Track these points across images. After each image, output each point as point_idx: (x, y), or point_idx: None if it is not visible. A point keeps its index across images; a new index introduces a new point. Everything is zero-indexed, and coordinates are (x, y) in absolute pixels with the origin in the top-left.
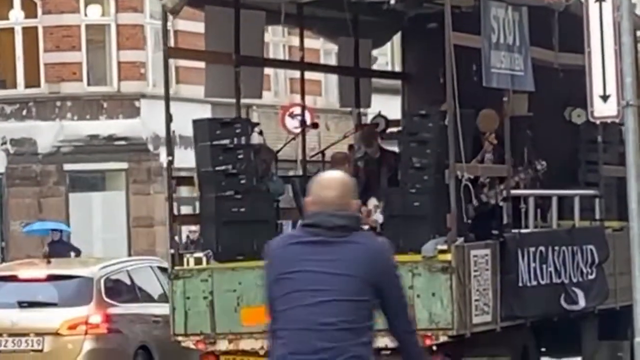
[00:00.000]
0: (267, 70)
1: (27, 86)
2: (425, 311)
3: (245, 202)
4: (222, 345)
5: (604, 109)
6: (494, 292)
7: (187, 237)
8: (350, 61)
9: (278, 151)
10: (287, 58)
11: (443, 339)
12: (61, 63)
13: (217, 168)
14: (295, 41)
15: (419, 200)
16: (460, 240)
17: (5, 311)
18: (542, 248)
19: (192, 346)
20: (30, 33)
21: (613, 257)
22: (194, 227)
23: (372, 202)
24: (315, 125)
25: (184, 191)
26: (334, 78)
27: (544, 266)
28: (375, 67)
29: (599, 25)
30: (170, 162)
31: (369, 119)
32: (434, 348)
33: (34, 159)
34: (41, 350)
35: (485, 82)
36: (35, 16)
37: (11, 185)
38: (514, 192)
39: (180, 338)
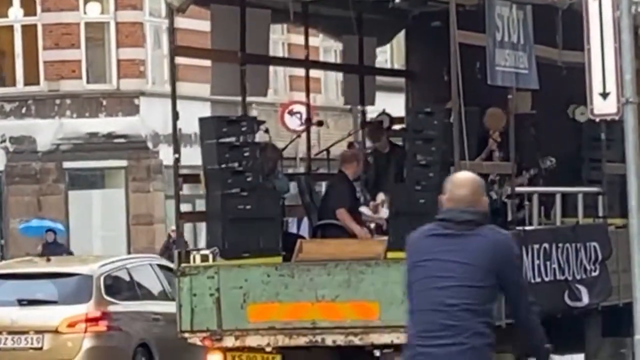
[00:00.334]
0: None
1: (26, 84)
2: None
3: (251, 199)
4: (229, 341)
5: (603, 107)
6: None
7: (169, 236)
8: (354, 59)
9: (284, 149)
10: (286, 55)
11: None
12: (60, 61)
13: (224, 166)
14: (294, 39)
15: (425, 197)
16: None
17: (5, 309)
18: (546, 245)
19: (199, 343)
20: (29, 31)
21: (616, 254)
22: (174, 227)
23: (380, 196)
24: (320, 123)
25: (183, 189)
26: (333, 76)
27: (548, 263)
28: (375, 64)
29: (599, 22)
30: (177, 160)
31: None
32: None
33: (34, 156)
34: (41, 348)
35: (490, 80)
36: (35, 14)
37: (10, 183)
38: (518, 189)
39: (186, 335)
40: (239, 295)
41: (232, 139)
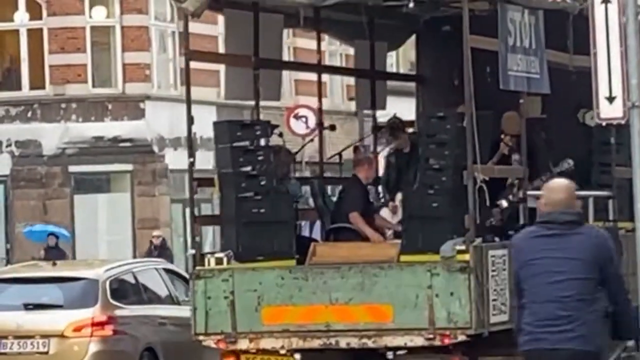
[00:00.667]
0: None
1: (32, 88)
2: (443, 310)
3: (265, 203)
4: (243, 344)
5: (609, 111)
6: (511, 292)
7: (151, 242)
8: (366, 64)
9: (296, 153)
10: (292, 59)
11: (461, 338)
12: (66, 65)
13: (238, 169)
14: (300, 42)
15: (437, 201)
16: (478, 240)
17: (11, 313)
18: None
19: (213, 345)
20: (35, 35)
21: (626, 257)
22: (156, 232)
23: (399, 197)
24: (332, 127)
25: (189, 193)
26: (339, 80)
27: None
28: (386, 69)
29: (605, 26)
30: (192, 164)
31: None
32: (451, 347)
33: (39, 160)
34: (47, 353)
35: (502, 85)
36: (40, 18)
37: (16, 187)
38: (530, 192)
39: (201, 337)
40: (253, 298)
41: (246, 143)
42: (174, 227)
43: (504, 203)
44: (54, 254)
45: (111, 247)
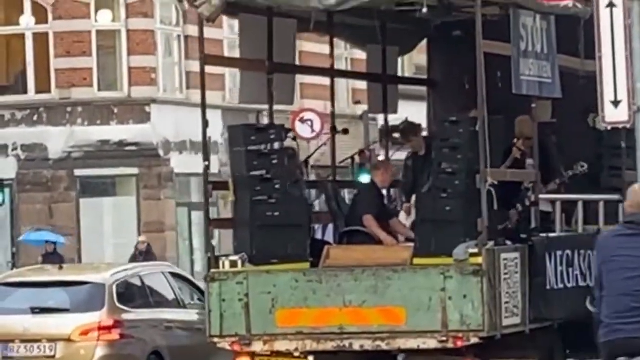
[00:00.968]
0: None
1: (37, 92)
2: (457, 313)
3: (279, 206)
4: (257, 346)
5: (615, 114)
6: (523, 295)
7: (136, 247)
8: (378, 68)
9: (309, 157)
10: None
11: (474, 340)
12: (72, 69)
13: (252, 173)
14: (305, 46)
15: (451, 204)
16: (491, 244)
17: (18, 317)
18: (568, 252)
19: (228, 347)
20: (41, 39)
21: None
22: (142, 238)
23: (414, 199)
24: (345, 131)
25: (194, 197)
26: (344, 83)
27: (571, 269)
28: (397, 73)
29: (610, 30)
30: (207, 167)
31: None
32: (464, 350)
33: (45, 164)
34: (53, 357)
35: (515, 89)
36: (46, 22)
37: (22, 191)
38: (542, 196)
39: (216, 339)
40: (267, 301)
41: (261, 147)
42: (180, 230)
43: (519, 207)
44: (52, 260)
45: (117, 250)
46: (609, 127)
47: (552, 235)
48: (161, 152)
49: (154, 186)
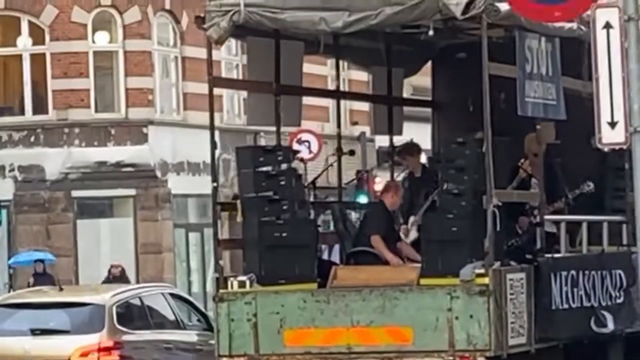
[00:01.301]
0: None
1: (35, 113)
2: (463, 333)
3: (287, 227)
4: None
5: (611, 136)
6: (529, 315)
7: (109, 271)
8: (383, 90)
9: (315, 178)
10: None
11: (480, 359)
12: (69, 90)
13: (260, 194)
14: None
15: (457, 225)
16: (497, 264)
17: (18, 339)
18: (573, 272)
19: None
20: (38, 60)
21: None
22: (115, 262)
23: (411, 220)
24: (352, 152)
25: (192, 218)
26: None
27: (575, 290)
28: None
29: (607, 51)
30: (215, 189)
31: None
32: None
33: (42, 185)
34: None
35: (520, 111)
36: (43, 43)
37: (19, 212)
38: (547, 217)
39: (224, 359)
40: (276, 321)
41: (269, 168)
42: (177, 251)
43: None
44: (43, 280)
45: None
46: (606, 149)
47: (557, 255)
48: (158, 173)
49: (151, 207)
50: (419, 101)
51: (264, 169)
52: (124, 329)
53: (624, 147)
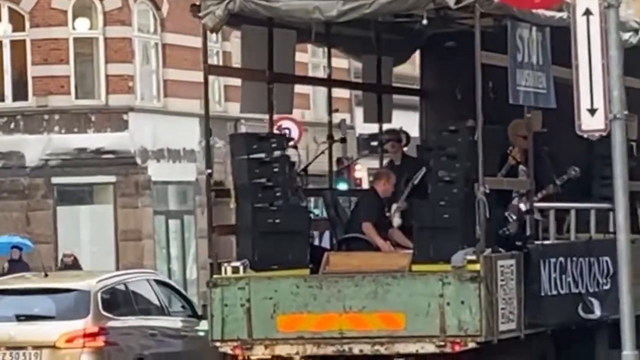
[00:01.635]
0: None
1: (15, 99)
2: (454, 318)
3: (280, 213)
4: (258, 350)
5: (591, 123)
6: (518, 301)
7: (62, 260)
8: (373, 78)
9: (307, 166)
10: None
11: (471, 345)
12: (49, 76)
13: (254, 181)
14: None
15: (448, 212)
16: (488, 251)
17: (3, 324)
18: (562, 259)
19: (230, 351)
20: (18, 46)
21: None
22: (68, 251)
23: (393, 207)
24: (343, 140)
25: (172, 205)
26: (322, 92)
27: (564, 276)
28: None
29: (587, 38)
30: (209, 175)
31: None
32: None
33: (22, 172)
34: None
35: (512, 100)
36: (24, 29)
37: None
38: (536, 204)
39: (217, 344)
40: (269, 306)
41: (262, 155)
42: (157, 238)
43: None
44: (18, 267)
45: (94, 258)
46: (585, 135)
47: (546, 242)
48: (138, 160)
49: (131, 194)
50: (408, 89)
51: (258, 155)
52: (109, 315)
53: (604, 134)
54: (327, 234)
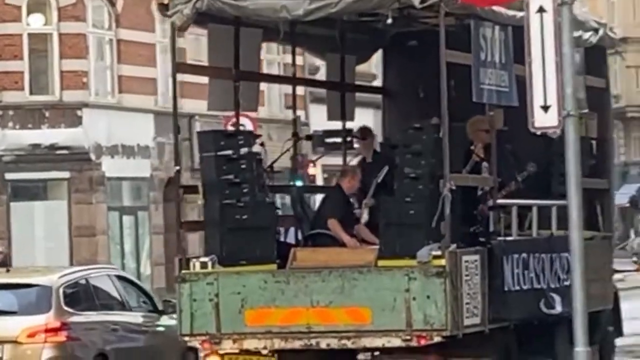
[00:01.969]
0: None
1: None
2: (420, 313)
3: (247, 210)
4: (227, 344)
5: (545, 119)
6: (483, 296)
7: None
8: (336, 76)
9: (273, 162)
10: None
11: (437, 339)
12: (3, 72)
13: (221, 177)
14: None
15: (414, 208)
16: (454, 246)
17: None
18: (524, 255)
19: (198, 346)
20: None
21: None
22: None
23: (363, 202)
24: (309, 137)
25: (126, 201)
26: (276, 88)
27: (526, 272)
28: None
29: (540, 36)
30: (178, 172)
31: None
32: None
33: None
34: (1, 358)
35: (475, 98)
36: None
37: None
38: (499, 201)
39: (186, 338)
40: (237, 301)
41: (230, 152)
42: (111, 234)
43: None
44: None
45: (48, 254)
46: (539, 132)
47: (508, 239)
48: (92, 156)
49: (85, 190)
50: (371, 88)
51: (225, 152)
52: (71, 310)
53: (557, 130)
54: (292, 230)
